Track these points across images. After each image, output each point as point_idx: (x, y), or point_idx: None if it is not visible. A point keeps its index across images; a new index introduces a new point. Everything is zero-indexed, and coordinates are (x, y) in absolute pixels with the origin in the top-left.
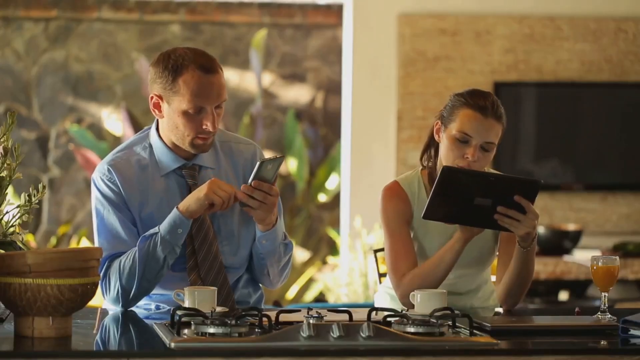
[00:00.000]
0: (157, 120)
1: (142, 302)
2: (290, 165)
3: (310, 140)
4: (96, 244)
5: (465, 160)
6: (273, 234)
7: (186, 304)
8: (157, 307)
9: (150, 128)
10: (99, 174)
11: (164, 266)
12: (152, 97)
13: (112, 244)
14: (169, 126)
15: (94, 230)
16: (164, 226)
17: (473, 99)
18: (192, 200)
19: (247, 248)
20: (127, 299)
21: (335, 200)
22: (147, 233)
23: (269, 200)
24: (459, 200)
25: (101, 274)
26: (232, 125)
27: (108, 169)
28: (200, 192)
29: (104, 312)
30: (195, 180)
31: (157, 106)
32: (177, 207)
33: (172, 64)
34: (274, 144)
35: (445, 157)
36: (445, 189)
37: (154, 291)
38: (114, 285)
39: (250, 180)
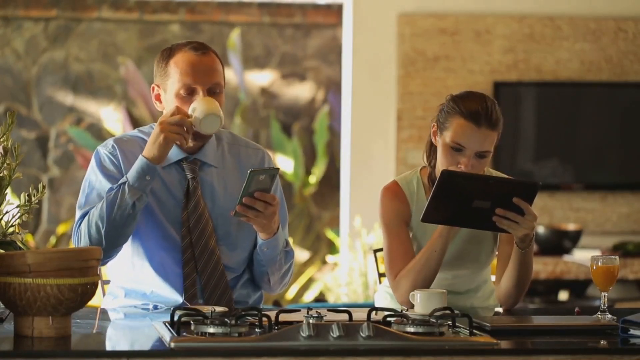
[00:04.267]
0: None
1: (140, 302)
2: (281, 163)
3: (306, 141)
4: (77, 203)
5: (459, 168)
6: (274, 242)
7: (197, 114)
8: (155, 307)
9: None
10: (103, 148)
11: (134, 214)
12: (153, 88)
13: (93, 203)
14: None
15: (80, 196)
16: (131, 174)
17: (466, 107)
18: (154, 147)
19: (245, 251)
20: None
21: (328, 190)
22: (115, 185)
23: (269, 210)
24: (457, 202)
25: (74, 229)
26: (225, 124)
27: (112, 145)
28: (157, 137)
29: (104, 312)
30: (196, 174)
31: (158, 97)
32: (142, 155)
33: (167, 52)
34: (268, 144)
35: (440, 163)
36: (444, 192)
37: (152, 290)
38: (84, 234)
39: (242, 191)
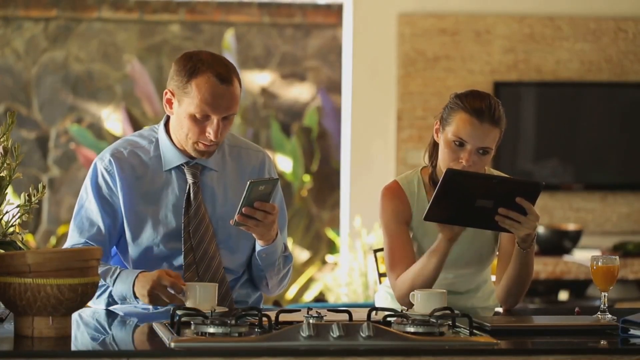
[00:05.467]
0: (167, 116)
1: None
2: (280, 163)
3: (305, 141)
4: (70, 227)
5: (460, 164)
6: (273, 248)
7: (188, 302)
8: (155, 307)
9: (159, 124)
10: (100, 162)
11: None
12: (166, 92)
13: (83, 231)
14: (176, 124)
15: (75, 208)
16: (116, 288)
17: (470, 103)
18: (140, 297)
19: (245, 254)
20: None
21: (324, 188)
22: (101, 284)
23: (268, 219)
24: (460, 202)
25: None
26: None
27: (110, 160)
28: (144, 296)
29: (104, 312)
30: (197, 179)
31: (169, 102)
32: (133, 284)
33: (190, 66)
34: (268, 144)
35: (441, 159)
36: (448, 191)
37: None
38: None
39: (242, 201)
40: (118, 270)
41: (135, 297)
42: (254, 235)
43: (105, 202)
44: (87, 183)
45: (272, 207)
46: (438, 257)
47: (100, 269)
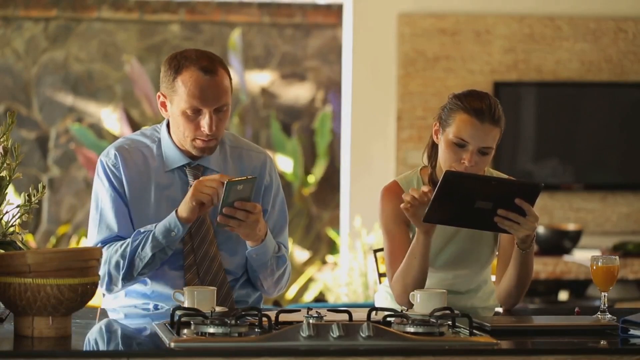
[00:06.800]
0: None
1: (140, 302)
2: (281, 163)
3: (306, 141)
4: (93, 226)
5: (462, 164)
6: (263, 249)
7: (186, 304)
8: (156, 307)
9: (162, 123)
10: (105, 158)
11: (154, 264)
12: (159, 96)
13: (102, 231)
14: (173, 125)
15: (91, 211)
16: (159, 226)
17: (470, 103)
18: (183, 205)
19: (245, 255)
20: (109, 286)
21: (328, 191)
22: (144, 228)
23: (251, 218)
24: (460, 203)
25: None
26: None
27: (115, 154)
28: (190, 199)
29: (104, 312)
30: None
31: (163, 105)
32: (175, 210)
33: (175, 64)
34: (268, 144)
35: (442, 160)
36: (447, 193)
37: (152, 290)
38: (104, 263)
39: (221, 202)
40: (153, 225)
41: (180, 221)
42: (240, 235)
43: (118, 195)
44: (98, 181)
45: (253, 206)
46: (420, 252)
47: (132, 243)
